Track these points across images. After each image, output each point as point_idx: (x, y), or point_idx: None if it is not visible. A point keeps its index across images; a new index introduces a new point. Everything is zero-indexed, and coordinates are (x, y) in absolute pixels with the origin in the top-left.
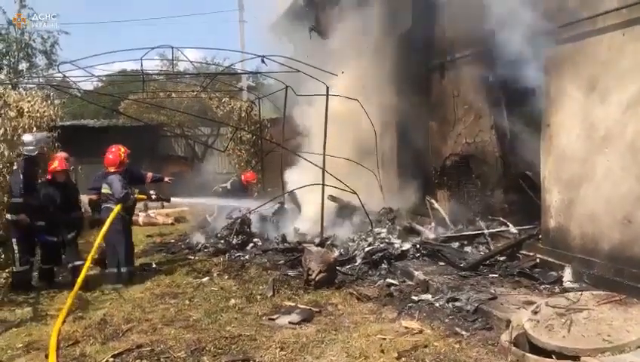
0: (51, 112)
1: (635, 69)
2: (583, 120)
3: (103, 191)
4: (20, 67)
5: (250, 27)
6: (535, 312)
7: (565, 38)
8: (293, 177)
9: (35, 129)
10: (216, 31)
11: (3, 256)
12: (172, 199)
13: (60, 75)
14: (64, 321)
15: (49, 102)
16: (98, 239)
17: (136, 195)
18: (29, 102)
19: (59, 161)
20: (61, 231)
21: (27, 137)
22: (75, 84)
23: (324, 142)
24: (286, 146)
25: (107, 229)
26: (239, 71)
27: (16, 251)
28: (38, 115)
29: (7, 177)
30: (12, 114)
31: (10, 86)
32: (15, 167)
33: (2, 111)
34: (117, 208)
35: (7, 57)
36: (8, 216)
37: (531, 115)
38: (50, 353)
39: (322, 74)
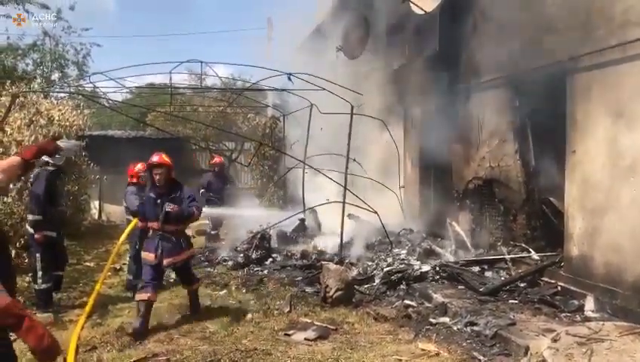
0: (80, 122)
1: None
2: (609, 148)
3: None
4: (53, 77)
5: (277, 45)
6: (555, 340)
7: (593, 65)
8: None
9: (64, 137)
10: (243, 48)
11: (27, 261)
12: None
13: (90, 85)
14: (83, 327)
15: (79, 111)
16: (115, 249)
17: None
18: (59, 110)
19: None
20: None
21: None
22: (104, 95)
23: (347, 161)
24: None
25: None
26: (265, 87)
27: (38, 268)
28: (68, 123)
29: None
30: (43, 121)
31: (42, 95)
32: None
33: (34, 119)
34: (134, 221)
35: (41, 67)
36: (29, 228)
37: (556, 140)
38: (69, 358)
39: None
